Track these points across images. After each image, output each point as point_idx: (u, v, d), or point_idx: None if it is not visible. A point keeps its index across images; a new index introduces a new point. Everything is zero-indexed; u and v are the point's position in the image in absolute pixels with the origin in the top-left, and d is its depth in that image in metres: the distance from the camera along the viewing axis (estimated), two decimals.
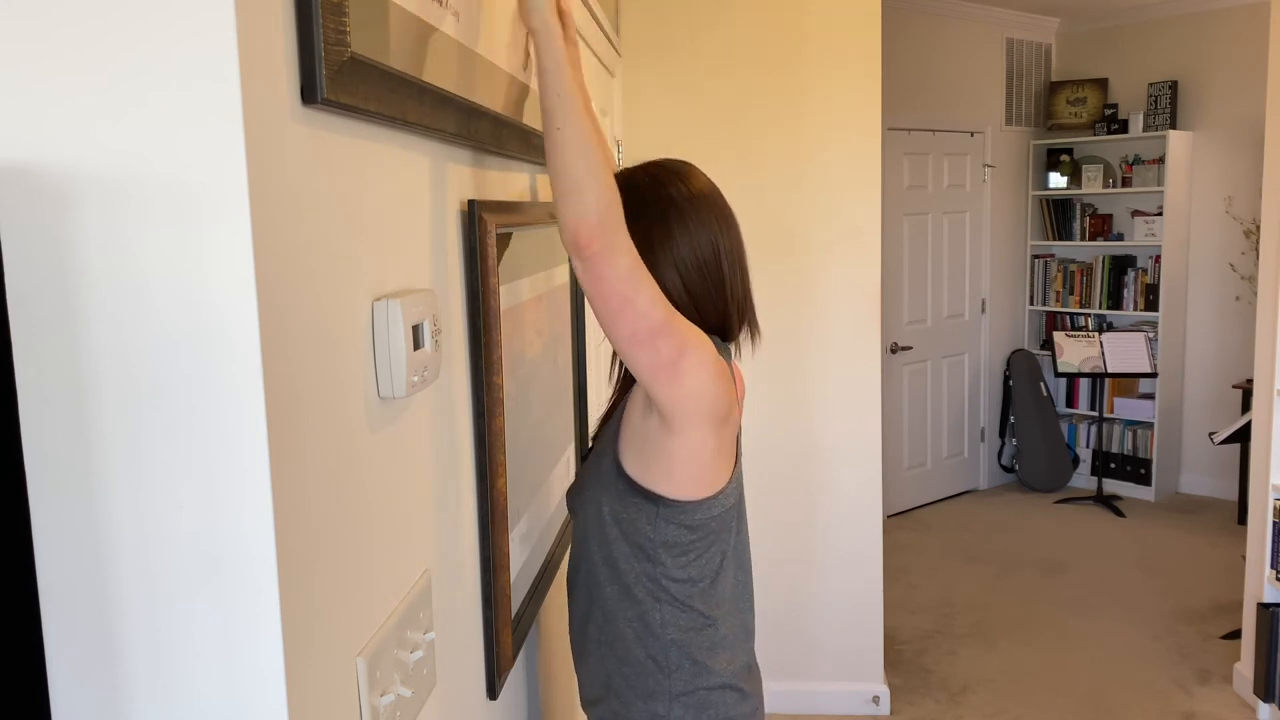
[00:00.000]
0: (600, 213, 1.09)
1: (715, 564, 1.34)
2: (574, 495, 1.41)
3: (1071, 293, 6.01)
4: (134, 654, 0.68)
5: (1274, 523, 3.17)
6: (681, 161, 1.40)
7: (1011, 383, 5.94)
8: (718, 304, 1.34)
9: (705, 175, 1.39)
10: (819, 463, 3.34)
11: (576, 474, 1.47)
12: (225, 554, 0.67)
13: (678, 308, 1.32)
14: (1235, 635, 3.75)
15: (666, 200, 1.32)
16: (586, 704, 1.43)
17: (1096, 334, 5.55)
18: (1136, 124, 5.72)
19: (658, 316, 1.15)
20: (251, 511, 0.67)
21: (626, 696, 1.34)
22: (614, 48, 2.91)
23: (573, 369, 1.89)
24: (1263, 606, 3.17)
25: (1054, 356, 5.58)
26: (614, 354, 1.53)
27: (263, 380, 0.65)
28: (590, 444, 1.55)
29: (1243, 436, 4.23)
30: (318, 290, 0.75)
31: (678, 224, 1.31)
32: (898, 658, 3.77)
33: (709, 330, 1.35)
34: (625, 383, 1.51)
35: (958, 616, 4.14)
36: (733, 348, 1.41)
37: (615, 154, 2.93)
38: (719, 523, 1.32)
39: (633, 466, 1.30)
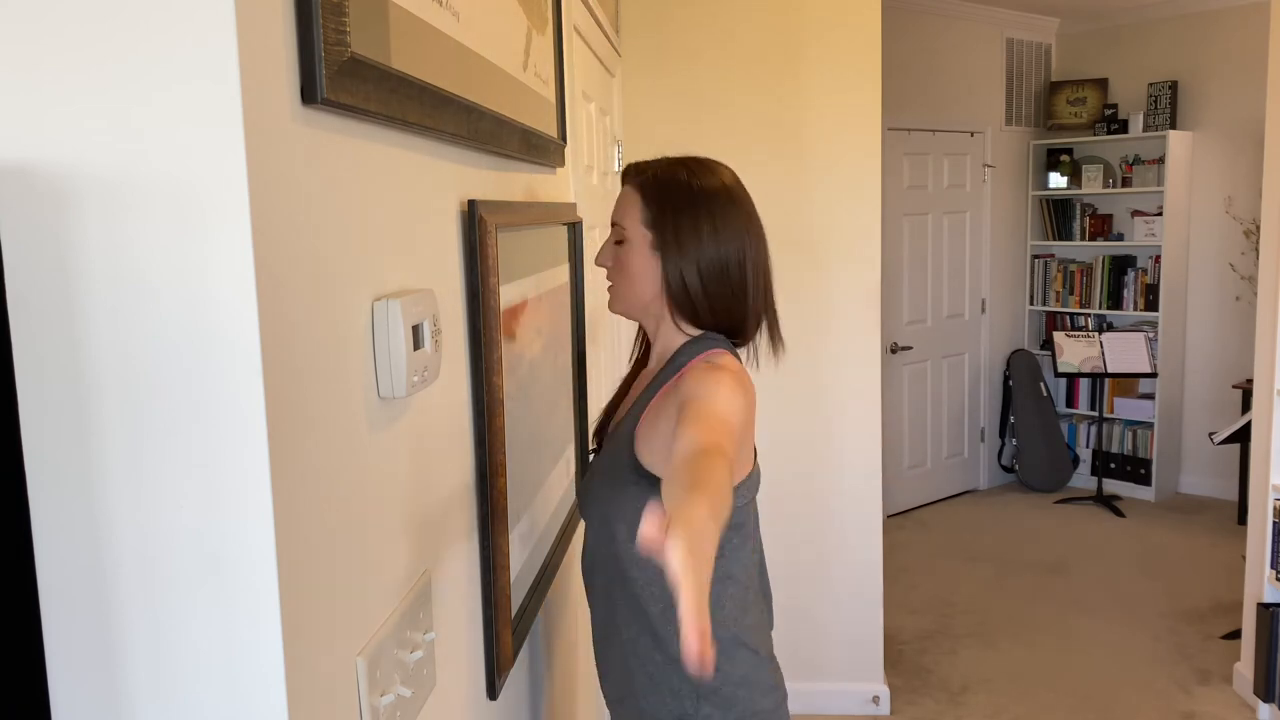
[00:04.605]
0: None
1: (744, 559, 1.34)
2: (586, 502, 1.41)
3: (1071, 293, 6.01)
4: (134, 654, 0.68)
5: (1274, 523, 3.17)
6: (713, 160, 1.39)
7: (1011, 383, 5.94)
8: (737, 309, 1.34)
9: (734, 176, 1.39)
10: (819, 462, 3.34)
11: (584, 478, 1.46)
12: (225, 553, 0.67)
13: (691, 304, 1.32)
14: (1235, 635, 3.74)
15: (705, 196, 1.32)
16: (611, 701, 1.42)
17: (1096, 334, 5.55)
18: (1136, 124, 5.71)
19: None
20: (252, 510, 0.67)
21: (651, 696, 1.34)
22: (614, 48, 2.91)
23: (573, 369, 1.89)
24: (1263, 606, 3.17)
25: (1054, 356, 5.58)
26: (638, 333, 1.50)
27: (263, 380, 0.65)
28: (593, 440, 1.54)
29: (1243, 436, 4.23)
30: (318, 290, 0.75)
31: (707, 223, 1.30)
32: (898, 658, 3.77)
33: (721, 330, 1.35)
34: (640, 363, 1.50)
35: (957, 616, 4.14)
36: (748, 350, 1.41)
37: (615, 154, 2.93)
38: (743, 514, 1.31)
39: (658, 463, 1.28)
